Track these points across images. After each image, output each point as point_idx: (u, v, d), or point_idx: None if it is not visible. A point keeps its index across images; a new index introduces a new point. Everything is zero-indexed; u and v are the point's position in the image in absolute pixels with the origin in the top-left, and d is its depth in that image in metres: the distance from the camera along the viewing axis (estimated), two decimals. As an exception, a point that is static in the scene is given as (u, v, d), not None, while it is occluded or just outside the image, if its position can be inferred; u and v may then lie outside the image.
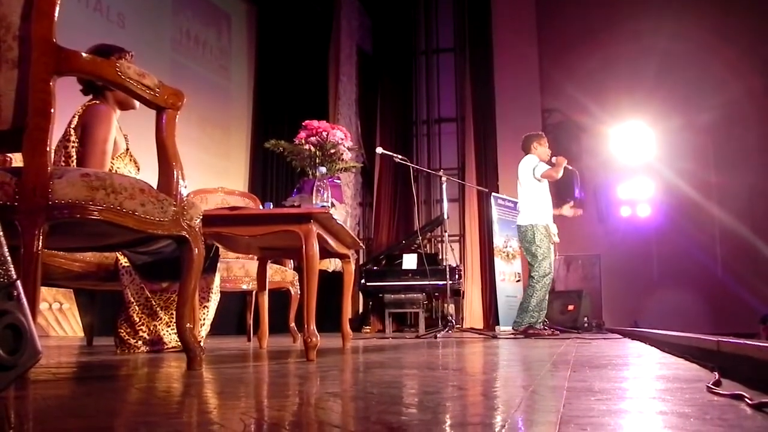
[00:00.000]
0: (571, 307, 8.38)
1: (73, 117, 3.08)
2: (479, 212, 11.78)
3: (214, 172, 9.93)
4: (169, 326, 3.17)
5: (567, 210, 6.89)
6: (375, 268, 10.62)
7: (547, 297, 6.20)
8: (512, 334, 6.15)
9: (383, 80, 12.97)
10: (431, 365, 2.69)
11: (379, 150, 6.01)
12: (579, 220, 11.57)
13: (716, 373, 1.94)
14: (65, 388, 1.84)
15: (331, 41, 11.96)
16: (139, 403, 1.53)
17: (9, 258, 1.14)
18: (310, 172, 3.45)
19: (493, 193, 10.89)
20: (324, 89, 11.82)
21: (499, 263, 10.50)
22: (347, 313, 3.47)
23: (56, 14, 1.74)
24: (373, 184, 12.69)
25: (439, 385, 1.89)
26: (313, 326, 2.69)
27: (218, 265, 3.53)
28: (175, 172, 1.97)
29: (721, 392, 1.53)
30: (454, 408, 1.39)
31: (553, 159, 6.54)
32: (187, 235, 2.01)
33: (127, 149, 3.28)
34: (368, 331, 10.65)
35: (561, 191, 11.55)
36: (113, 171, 3.09)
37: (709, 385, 1.64)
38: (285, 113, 10.99)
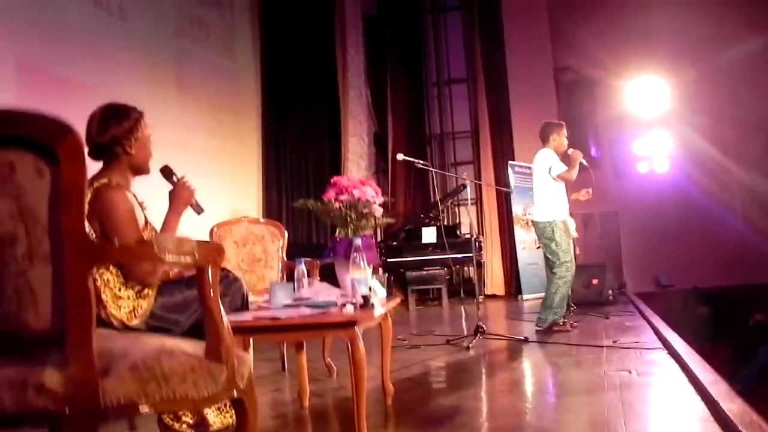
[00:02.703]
0: (595, 282, 8.34)
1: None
2: (496, 177, 11.64)
3: (227, 157, 9.85)
4: (212, 407, 3.15)
5: (583, 195, 6.72)
6: (394, 243, 10.58)
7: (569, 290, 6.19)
8: (536, 329, 6.11)
9: (391, 44, 12.69)
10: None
11: (400, 157, 5.89)
12: (596, 176, 11.49)
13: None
14: None
15: (335, 9, 11.67)
16: None
17: None
18: (342, 231, 3.38)
19: (509, 162, 10.77)
20: (331, 61, 11.60)
21: (518, 232, 10.45)
22: (388, 368, 3.43)
23: (86, 204, 1.66)
24: (387, 152, 12.53)
25: None
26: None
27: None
28: (223, 335, 1.91)
29: None
30: None
31: (569, 151, 6.38)
32: (242, 397, 1.96)
33: (146, 221, 3.17)
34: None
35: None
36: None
37: None
38: (294, 90, 10.87)
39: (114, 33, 8.23)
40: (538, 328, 6.11)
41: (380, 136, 12.57)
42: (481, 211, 12.05)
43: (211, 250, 1.94)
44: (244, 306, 3.22)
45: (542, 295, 6.55)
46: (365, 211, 3.36)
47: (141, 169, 3.06)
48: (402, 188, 12.22)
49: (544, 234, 6.14)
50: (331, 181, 3.47)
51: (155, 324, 2.97)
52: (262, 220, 4.99)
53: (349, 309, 2.69)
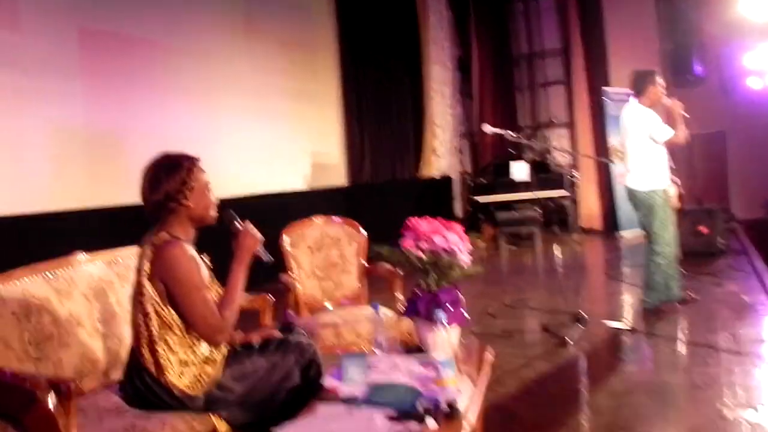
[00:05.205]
0: (703, 229, 7.63)
1: (142, 260, 2.62)
2: (590, 99, 10.84)
3: (303, 96, 9.39)
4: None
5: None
6: (483, 180, 10.06)
7: (675, 265, 5.55)
8: (644, 308, 5.58)
9: (472, -41, 11.80)
10: None
11: (488, 129, 5.31)
12: (700, 94, 10.52)
13: None
14: None
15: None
16: None
17: None
18: (422, 283, 2.95)
19: (603, 88, 9.96)
20: (409, -17, 10.88)
21: (617, 165, 9.74)
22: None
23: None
24: (470, 75, 11.83)
25: None
26: None
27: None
28: None
29: None
30: None
31: (664, 100, 5.57)
32: None
33: (211, 278, 2.84)
34: (480, 240, 10.15)
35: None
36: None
37: None
38: (371, 20, 10.21)
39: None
40: (644, 306, 5.57)
41: (464, 59, 11.86)
42: (573, 135, 11.32)
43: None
44: (317, 376, 2.87)
45: (641, 231, 5.93)
46: (449, 262, 2.91)
47: (202, 220, 2.78)
48: (489, 114, 11.55)
49: (643, 205, 5.49)
50: (408, 224, 3.00)
51: (218, 395, 2.69)
52: (336, 219, 4.55)
53: (431, 425, 2.29)
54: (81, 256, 3.06)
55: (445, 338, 2.75)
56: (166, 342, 2.60)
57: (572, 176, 9.87)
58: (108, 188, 6.47)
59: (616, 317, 5.43)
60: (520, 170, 9.70)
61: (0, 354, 2.50)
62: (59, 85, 6.35)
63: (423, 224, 2.99)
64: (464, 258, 2.97)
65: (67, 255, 3.02)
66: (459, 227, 3.02)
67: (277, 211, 7.21)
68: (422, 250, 2.95)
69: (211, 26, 8.00)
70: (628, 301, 6.18)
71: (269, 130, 8.65)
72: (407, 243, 2.98)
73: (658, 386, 3.95)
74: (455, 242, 2.94)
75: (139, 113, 7.02)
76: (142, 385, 2.59)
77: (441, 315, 2.72)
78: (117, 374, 2.87)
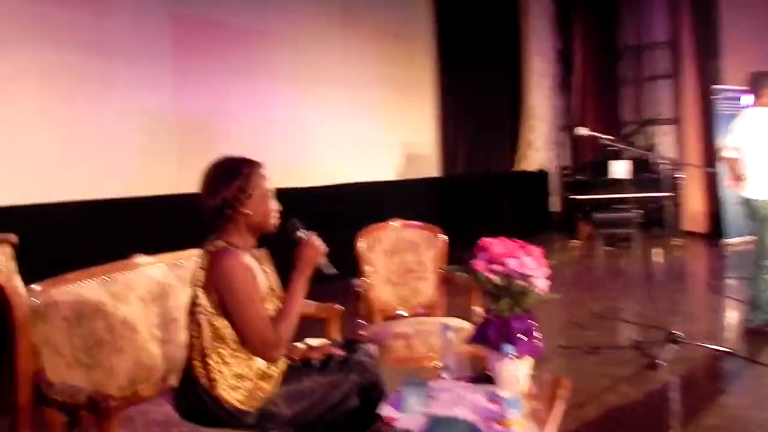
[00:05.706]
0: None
1: (198, 268, 2.51)
2: (700, 96, 10.21)
3: (398, 88, 9.19)
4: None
5: None
6: (580, 177, 9.65)
7: None
8: (747, 327, 5.17)
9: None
10: None
11: (582, 131, 5.00)
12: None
13: None
14: None
15: None
16: None
17: None
18: (494, 307, 2.71)
19: (713, 87, 9.34)
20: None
21: (722, 168, 9.14)
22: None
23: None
24: (571, 66, 11.38)
25: None
26: None
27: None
28: None
29: None
30: None
31: None
32: None
33: (271, 288, 2.68)
34: (577, 244, 9.78)
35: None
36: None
37: None
38: (470, 7, 9.89)
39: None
40: (748, 326, 5.16)
41: (565, 50, 11.42)
42: (680, 131, 10.72)
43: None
44: (378, 399, 2.70)
45: (748, 239, 5.60)
46: (523, 287, 2.65)
47: (261, 228, 2.64)
48: (590, 107, 11.11)
49: (757, 214, 5.06)
50: (480, 244, 2.76)
51: (273, 412, 2.55)
52: (415, 222, 4.35)
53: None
54: (141, 259, 2.96)
55: (512, 373, 2.50)
56: (218, 354, 2.49)
57: (676, 176, 9.34)
58: (198, 175, 6.46)
59: (716, 338, 5.03)
60: (620, 169, 9.24)
61: (49, 361, 2.44)
62: (150, 72, 6.42)
63: (497, 245, 2.74)
64: (540, 284, 2.70)
65: (126, 258, 2.93)
66: (537, 250, 2.75)
67: (368, 201, 7.16)
68: (495, 273, 2.71)
69: (306, 14, 7.92)
70: (731, 319, 5.74)
71: (362, 120, 8.54)
72: (479, 265, 2.74)
73: (759, 424, 3.59)
74: (531, 266, 2.68)
75: (230, 100, 7.04)
76: (194, 398, 2.49)
77: (509, 349, 2.47)
78: (175, 380, 2.74)
